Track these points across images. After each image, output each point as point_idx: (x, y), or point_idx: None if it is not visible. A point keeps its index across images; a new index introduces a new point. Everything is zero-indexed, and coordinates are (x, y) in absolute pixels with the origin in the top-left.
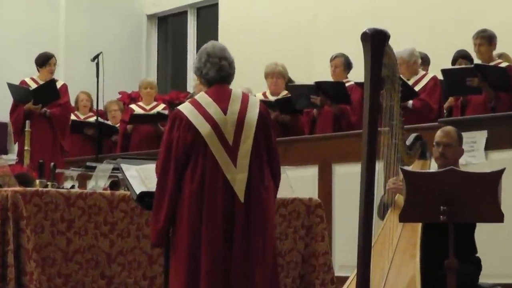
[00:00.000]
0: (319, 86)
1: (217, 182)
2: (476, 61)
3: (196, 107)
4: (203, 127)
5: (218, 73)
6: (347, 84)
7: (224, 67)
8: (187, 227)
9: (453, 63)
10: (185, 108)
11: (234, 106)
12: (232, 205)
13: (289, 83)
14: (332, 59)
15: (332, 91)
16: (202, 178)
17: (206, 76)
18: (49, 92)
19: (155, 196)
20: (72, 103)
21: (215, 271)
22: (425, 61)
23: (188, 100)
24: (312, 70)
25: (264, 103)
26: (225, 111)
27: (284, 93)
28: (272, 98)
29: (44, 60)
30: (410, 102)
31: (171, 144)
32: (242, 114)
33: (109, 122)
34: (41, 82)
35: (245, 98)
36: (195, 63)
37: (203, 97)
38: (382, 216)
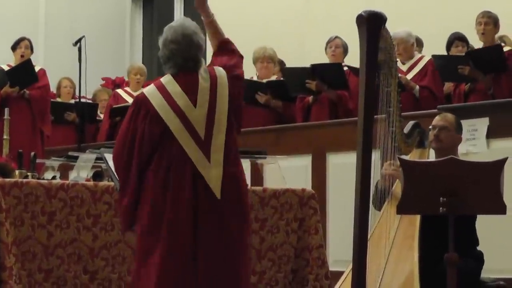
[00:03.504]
0: (315, 69)
1: (185, 178)
2: (474, 43)
3: (164, 95)
4: (172, 121)
5: (179, 70)
6: (344, 68)
7: (186, 65)
8: (147, 223)
9: (449, 45)
10: (152, 95)
11: (203, 97)
12: (204, 202)
13: (281, 66)
14: (331, 40)
15: (329, 74)
16: (167, 174)
17: (166, 71)
18: (26, 74)
19: (119, 186)
20: (53, 89)
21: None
22: (419, 43)
23: (154, 83)
24: (304, 55)
25: (255, 85)
26: (194, 103)
27: (274, 78)
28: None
29: (15, 43)
30: (417, 89)
31: (135, 134)
32: (212, 105)
33: (90, 101)
34: None
35: (213, 83)
36: (161, 46)
37: (171, 84)
38: (377, 204)
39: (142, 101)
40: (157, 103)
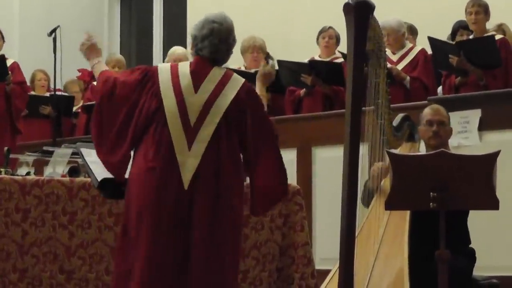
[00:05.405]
0: (312, 66)
1: (173, 162)
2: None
3: (173, 74)
4: (169, 100)
5: (211, 55)
6: (336, 61)
7: (220, 51)
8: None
9: (453, 34)
10: (163, 69)
11: (208, 86)
12: (180, 191)
13: (267, 58)
14: (325, 30)
15: (326, 72)
16: (156, 155)
17: (198, 51)
18: None
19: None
20: (27, 82)
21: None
22: (413, 32)
23: (171, 62)
24: (290, 47)
25: (244, 76)
26: (196, 89)
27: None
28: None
29: None
30: (408, 80)
31: (136, 105)
32: (214, 96)
33: (66, 94)
34: None
35: (225, 79)
36: (195, 28)
37: (184, 65)
38: (366, 203)
39: (153, 73)
40: (162, 78)
